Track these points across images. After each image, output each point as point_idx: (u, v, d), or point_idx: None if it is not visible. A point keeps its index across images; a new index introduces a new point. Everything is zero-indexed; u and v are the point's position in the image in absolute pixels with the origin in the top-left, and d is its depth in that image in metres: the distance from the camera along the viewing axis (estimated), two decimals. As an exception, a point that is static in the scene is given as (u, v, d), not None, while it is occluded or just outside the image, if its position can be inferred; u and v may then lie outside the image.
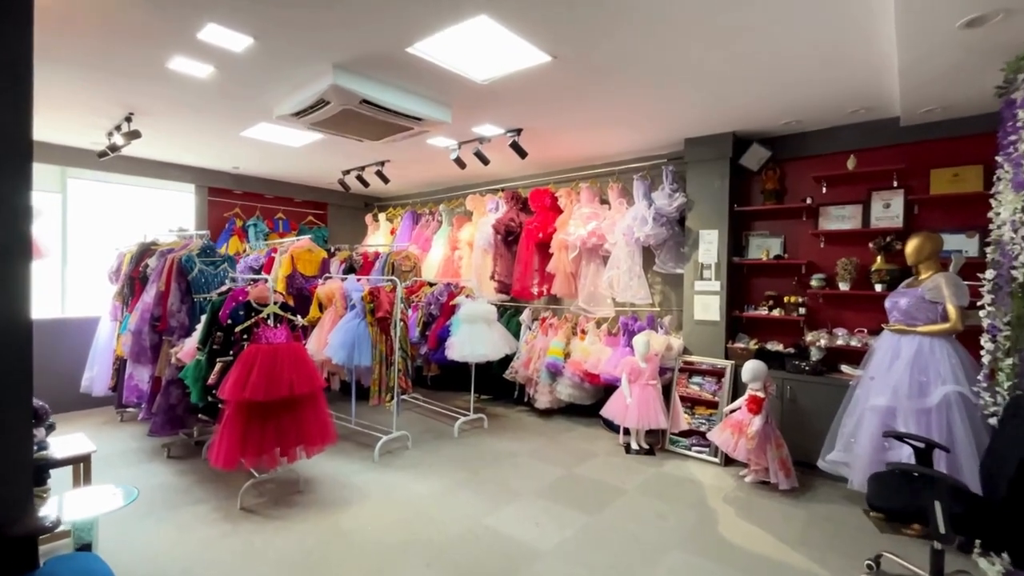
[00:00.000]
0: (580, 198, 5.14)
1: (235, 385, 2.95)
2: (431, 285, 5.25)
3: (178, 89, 3.47)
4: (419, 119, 3.59)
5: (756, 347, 4.18)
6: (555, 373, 5.05)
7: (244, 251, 6.00)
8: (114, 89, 3.49)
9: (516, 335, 5.60)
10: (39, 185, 5.16)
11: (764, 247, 4.33)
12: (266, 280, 3.44)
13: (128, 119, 4.05)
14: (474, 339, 4.55)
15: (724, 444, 3.71)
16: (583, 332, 5.11)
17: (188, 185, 6.03)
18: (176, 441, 4.08)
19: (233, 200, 6.46)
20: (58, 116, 4.14)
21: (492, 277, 5.54)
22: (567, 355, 5.07)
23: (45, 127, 4.48)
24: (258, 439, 3.01)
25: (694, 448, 4.19)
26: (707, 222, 4.37)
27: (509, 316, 5.81)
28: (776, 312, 4.16)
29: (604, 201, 5.17)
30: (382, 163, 5.54)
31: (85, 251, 5.38)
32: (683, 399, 4.36)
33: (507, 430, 4.84)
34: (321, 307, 4.53)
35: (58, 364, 5.03)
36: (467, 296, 4.86)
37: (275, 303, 3.33)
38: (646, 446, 4.34)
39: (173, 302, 3.91)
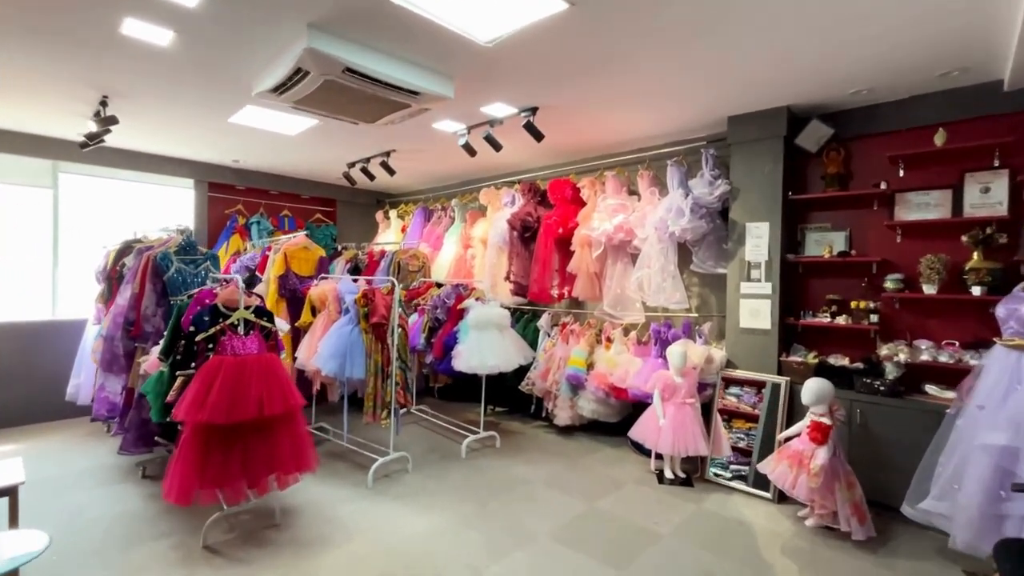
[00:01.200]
0: (605, 189, 4.55)
1: (192, 404, 2.49)
2: (439, 287, 4.75)
3: (144, 62, 3.05)
4: (416, 93, 3.08)
5: (816, 361, 3.51)
6: (576, 386, 4.48)
7: (244, 250, 5.64)
8: (78, 64, 3.10)
9: (533, 343, 5.06)
10: (29, 180, 4.90)
11: (825, 242, 3.66)
12: (258, 279, 2.99)
13: (104, 103, 3.68)
14: (484, 348, 4.02)
15: (780, 479, 3.07)
16: (608, 340, 4.51)
17: (187, 180, 5.69)
18: (155, 458, 3.68)
19: (235, 196, 6.11)
20: (38, 103, 3.80)
21: (507, 278, 5.00)
22: (590, 366, 4.49)
23: (27, 116, 4.17)
24: (219, 468, 2.54)
25: (732, 468, 3.56)
26: (755, 213, 3.73)
27: (526, 321, 5.26)
28: (841, 320, 3.49)
29: (633, 192, 4.57)
30: (387, 153, 5.07)
31: (78, 250, 5.08)
32: (719, 412, 3.73)
33: (522, 451, 4.29)
34: (315, 311, 4.08)
35: (45, 370, 4.74)
36: (477, 299, 4.33)
37: (248, 307, 2.87)
38: (682, 475, 3.73)
39: (148, 305, 3.51)
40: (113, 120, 3.73)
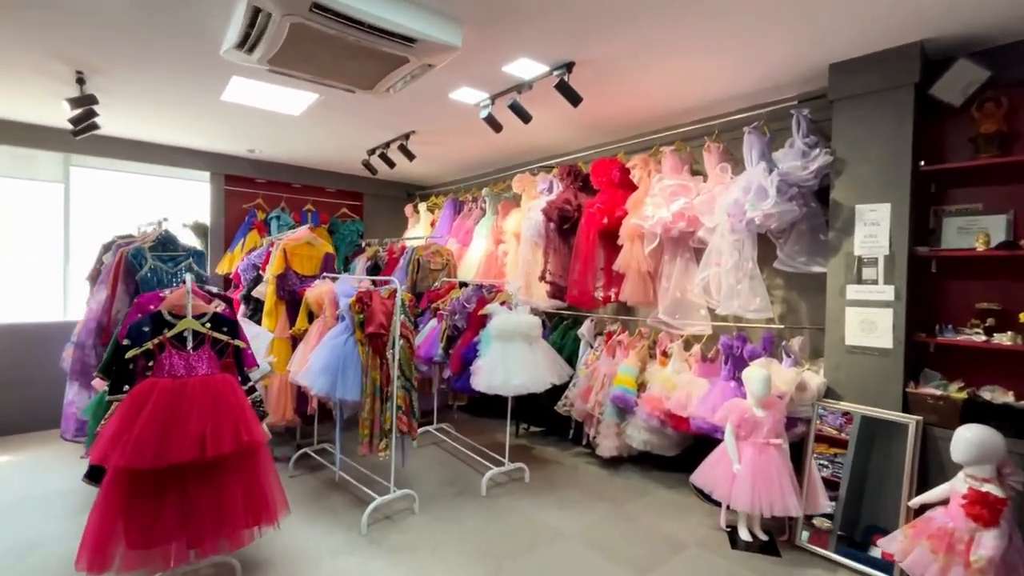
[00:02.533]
0: (661, 168, 3.69)
1: (110, 442, 1.92)
2: (463, 287, 4.06)
3: (107, 29, 2.55)
4: (412, 41, 2.39)
5: (962, 395, 2.52)
6: (624, 410, 3.66)
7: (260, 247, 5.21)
8: (27, 24, 2.64)
9: (574, 355, 4.27)
10: (38, 174, 4.66)
11: (975, 229, 2.65)
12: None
13: (80, 80, 3.26)
14: (508, 363, 3.29)
15: (918, 568, 2.13)
16: (665, 355, 3.66)
17: (203, 173, 5.34)
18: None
19: (255, 190, 5.71)
20: (15, 85, 3.46)
21: (542, 277, 4.24)
22: (641, 386, 3.66)
23: (26, 104, 3.86)
24: (148, 524, 1.96)
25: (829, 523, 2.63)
26: (869, 191, 2.77)
27: (564, 329, 4.48)
28: (1002, 338, 2.48)
29: (697, 172, 3.69)
30: (406, 136, 4.45)
31: (90, 248, 4.81)
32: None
33: (555, 487, 3.52)
34: (313, 317, 3.50)
35: (54, 374, 4.47)
36: (503, 303, 3.61)
37: (201, 315, 2.29)
38: (764, 536, 2.84)
39: (119, 308, 3.06)
40: (92, 99, 3.31)
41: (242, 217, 5.59)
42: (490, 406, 4.84)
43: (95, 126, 3.89)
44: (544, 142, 4.61)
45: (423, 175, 6.25)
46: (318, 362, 2.98)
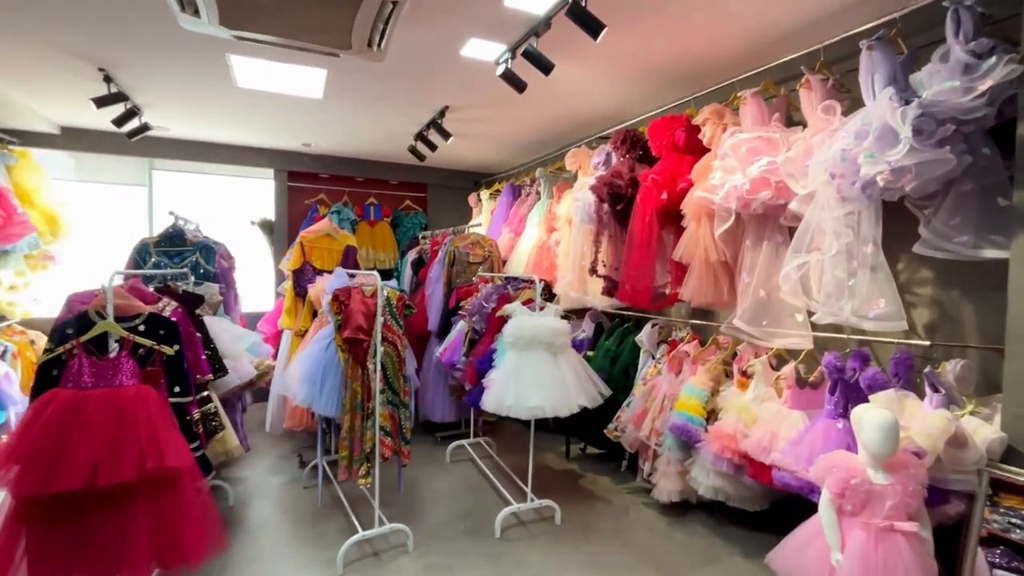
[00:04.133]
0: (740, 118, 2.71)
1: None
2: (510, 282, 3.46)
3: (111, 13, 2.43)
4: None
5: None
6: (687, 443, 2.78)
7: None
8: (52, 22, 2.62)
9: (632, 367, 3.45)
10: (124, 179, 5.04)
11: None
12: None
13: (108, 79, 3.28)
14: (524, 378, 2.63)
15: None
16: (745, 375, 2.70)
17: (267, 170, 5.42)
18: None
19: (318, 185, 5.69)
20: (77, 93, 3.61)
21: (593, 270, 3.47)
22: (712, 414, 2.75)
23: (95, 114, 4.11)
24: (41, 555, 1.71)
25: None
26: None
27: (622, 334, 3.65)
28: None
29: (797, 123, 2.65)
30: (441, 113, 3.95)
31: (171, 246, 5.12)
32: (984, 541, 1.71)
33: (591, 537, 2.78)
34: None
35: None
36: (527, 302, 2.93)
37: (134, 316, 2.01)
38: (885, 668, 1.83)
39: (129, 306, 2.99)
40: (122, 97, 3.32)
41: (306, 212, 5.60)
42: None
43: (146, 127, 4.01)
44: (606, 106, 3.79)
45: (487, 161, 5.76)
46: (300, 369, 2.61)
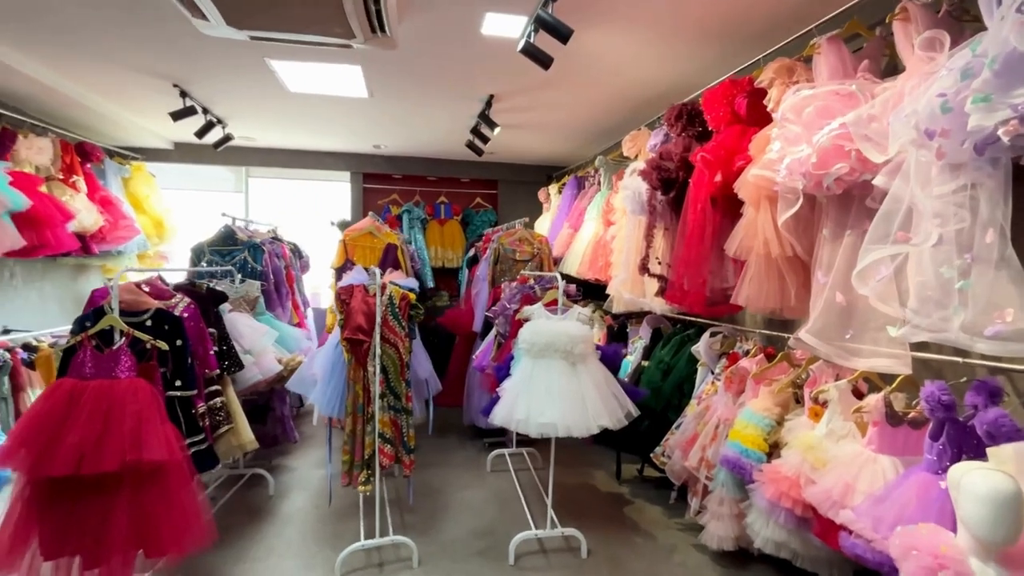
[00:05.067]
0: (813, 73, 2.11)
1: (7, 442, 1.84)
2: (568, 283, 3.16)
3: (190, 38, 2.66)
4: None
5: None
6: (742, 480, 2.26)
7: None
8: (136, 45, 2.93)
9: (688, 383, 2.95)
10: (227, 186, 5.61)
11: None
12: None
13: (183, 94, 3.60)
14: (536, 389, 2.32)
15: None
16: (816, 401, 2.10)
17: (344, 173, 5.69)
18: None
19: (391, 186, 5.85)
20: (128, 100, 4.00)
21: (644, 268, 3.02)
22: (774, 448, 2.20)
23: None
24: (45, 533, 1.82)
25: None
26: None
27: (679, 343, 3.14)
28: None
29: (895, 70, 1.98)
30: (487, 103, 3.75)
31: (263, 246, 5.61)
32: None
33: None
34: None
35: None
36: (549, 304, 2.61)
37: (141, 311, 2.11)
38: None
39: (189, 301, 3.25)
40: (193, 111, 3.63)
41: (379, 213, 5.77)
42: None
43: (229, 138, 4.38)
44: (664, 80, 3.31)
45: (556, 152, 5.46)
46: (313, 367, 2.59)
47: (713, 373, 2.78)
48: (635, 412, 2.44)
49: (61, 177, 3.57)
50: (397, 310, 2.40)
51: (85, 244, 3.66)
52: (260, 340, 2.76)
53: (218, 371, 2.37)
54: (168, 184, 5.19)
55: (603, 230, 3.83)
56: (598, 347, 2.61)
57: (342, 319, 2.40)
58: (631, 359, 3.55)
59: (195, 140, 4.95)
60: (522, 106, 3.91)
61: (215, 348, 2.39)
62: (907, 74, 1.69)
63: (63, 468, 1.76)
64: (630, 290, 3.28)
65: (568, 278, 4.19)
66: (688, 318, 3.28)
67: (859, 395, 2.06)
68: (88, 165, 3.90)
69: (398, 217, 5.68)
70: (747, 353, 2.62)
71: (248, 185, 5.65)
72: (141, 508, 1.86)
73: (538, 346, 2.36)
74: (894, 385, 1.89)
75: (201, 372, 2.29)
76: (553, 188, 5.46)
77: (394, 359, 2.38)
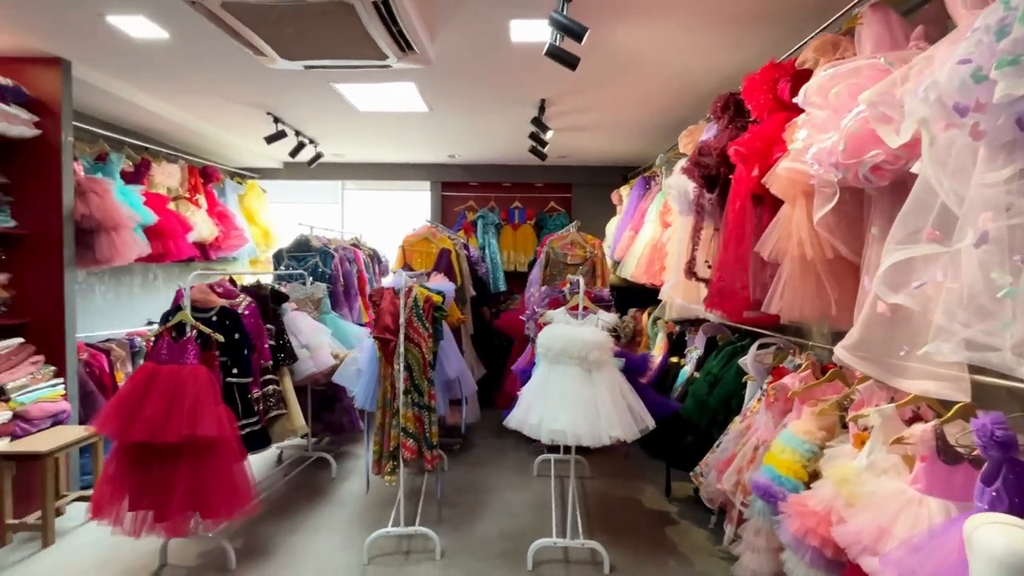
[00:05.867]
0: (857, 46, 1.81)
1: (103, 411, 2.29)
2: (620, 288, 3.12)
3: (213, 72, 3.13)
4: None
5: None
6: (775, 509, 2.02)
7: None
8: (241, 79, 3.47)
9: (736, 397, 2.69)
10: (325, 198, 6.27)
11: None
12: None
13: (276, 120, 4.13)
14: (550, 395, 2.29)
15: None
16: (858, 425, 1.81)
17: (425, 183, 6.06)
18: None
19: (467, 193, 6.09)
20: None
21: (690, 271, 2.82)
22: (814, 476, 1.94)
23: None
24: (119, 491, 2.23)
25: None
26: None
27: (730, 354, 2.87)
28: None
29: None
30: (540, 106, 3.77)
31: (356, 252, 6.18)
32: None
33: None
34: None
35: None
36: (572, 308, 2.55)
37: (208, 308, 2.48)
38: None
39: (272, 301, 3.71)
40: (283, 134, 4.15)
41: (455, 219, 6.06)
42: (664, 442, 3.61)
43: (319, 156, 4.91)
44: (716, 70, 3.08)
45: (629, 152, 5.30)
46: (356, 362, 2.82)
47: (762, 389, 2.50)
48: (651, 426, 2.29)
49: (187, 196, 4.29)
50: (421, 312, 2.52)
51: (204, 251, 4.37)
52: (317, 336, 3.08)
53: (271, 362, 2.70)
54: (280, 198, 5.98)
55: (661, 232, 3.63)
56: (624, 355, 2.50)
57: (375, 320, 2.59)
58: (686, 369, 3.33)
59: (299, 159, 5.64)
60: (577, 107, 3.87)
61: (271, 342, 2.73)
62: (951, 37, 1.40)
63: (140, 436, 2.14)
64: (682, 295, 3.07)
65: (626, 283, 4.05)
66: (748, 328, 2.98)
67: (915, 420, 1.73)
68: (210, 185, 4.64)
69: (473, 223, 5.90)
70: (797, 368, 2.32)
71: (344, 197, 6.26)
72: (197, 477, 2.20)
73: (553, 351, 2.32)
74: (951, 413, 1.56)
75: (257, 363, 2.62)
76: (625, 189, 5.28)
77: (418, 358, 2.52)
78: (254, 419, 2.56)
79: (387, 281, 2.96)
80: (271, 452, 3.84)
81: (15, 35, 2.71)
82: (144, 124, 4.13)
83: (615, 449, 3.66)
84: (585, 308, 2.53)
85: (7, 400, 2.68)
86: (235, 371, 2.48)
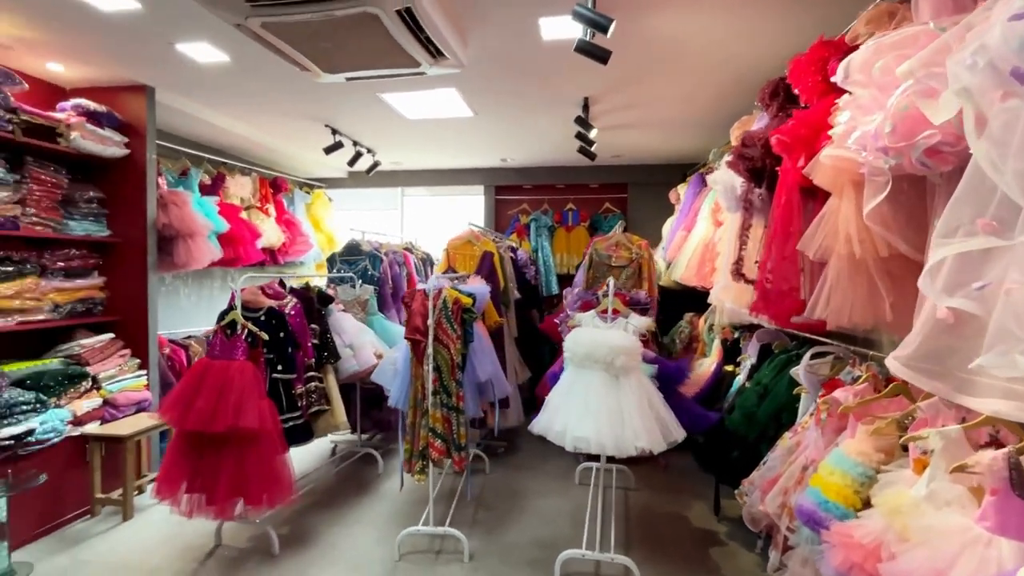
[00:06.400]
0: (914, 13, 1.58)
1: (164, 399, 2.52)
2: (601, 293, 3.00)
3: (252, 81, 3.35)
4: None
5: None
6: (821, 537, 1.81)
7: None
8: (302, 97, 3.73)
9: (789, 411, 2.46)
10: (387, 204, 6.54)
11: None
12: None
13: (334, 132, 4.37)
14: (574, 401, 2.21)
15: None
16: (917, 448, 1.57)
17: (479, 187, 6.13)
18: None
19: (521, 196, 6.09)
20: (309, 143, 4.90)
21: (737, 272, 2.62)
22: (866, 506, 1.71)
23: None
24: (183, 474, 2.45)
25: None
26: None
27: (783, 363, 2.61)
28: None
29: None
30: (584, 104, 3.68)
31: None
32: None
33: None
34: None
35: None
36: (602, 311, 2.44)
37: (257, 308, 2.67)
38: None
39: (327, 302, 3.92)
40: (339, 145, 4.38)
41: (508, 222, 6.08)
42: (712, 455, 3.40)
43: (377, 164, 5.14)
44: (768, 55, 2.84)
45: (690, 149, 5.04)
46: (394, 362, 2.90)
47: (815, 402, 2.25)
48: (679, 438, 2.14)
49: (258, 205, 4.65)
50: (450, 313, 2.54)
51: (274, 256, 4.71)
52: (360, 336, 3.21)
53: (313, 360, 2.84)
54: (345, 205, 6.32)
55: (712, 231, 3.41)
56: (659, 361, 2.36)
57: (406, 321, 2.65)
58: (739, 379, 3.09)
59: (360, 169, 5.92)
60: (621, 104, 3.75)
61: (314, 341, 2.87)
62: (1016, -6, 1.18)
63: (193, 425, 2.33)
64: (733, 299, 2.86)
65: (682, 286, 3.84)
66: (809, 335, 2.71)
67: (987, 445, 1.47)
68: (279, 195, 5.00)
69: (526, 226, 5.89)
70: (855, 380, 2.07)
71: (403, 203, 6.51)
72: (240, 465, 2.36)
73: (578, 355, 2.24)
74: (1029, 440, 1.31)
75: (301, 360, 2.78)
76: (682, 187, 5.02)
77: (446, 359, 2.53)
78: (297, 413, 2.71)
79: (430, 283, 3.02)
80: (325, 445, 4.06)
81: (107, 67, 3.08)
82: (219, 141, 4.55)
83: (655, 461, 3.50)
84: (616, 311, 2.42)
85: (99, 388, 3.04)
86: (280, 367, 2.64)
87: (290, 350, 2.69)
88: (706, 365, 3.77)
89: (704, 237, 3.50)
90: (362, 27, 2.26)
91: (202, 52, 2.86)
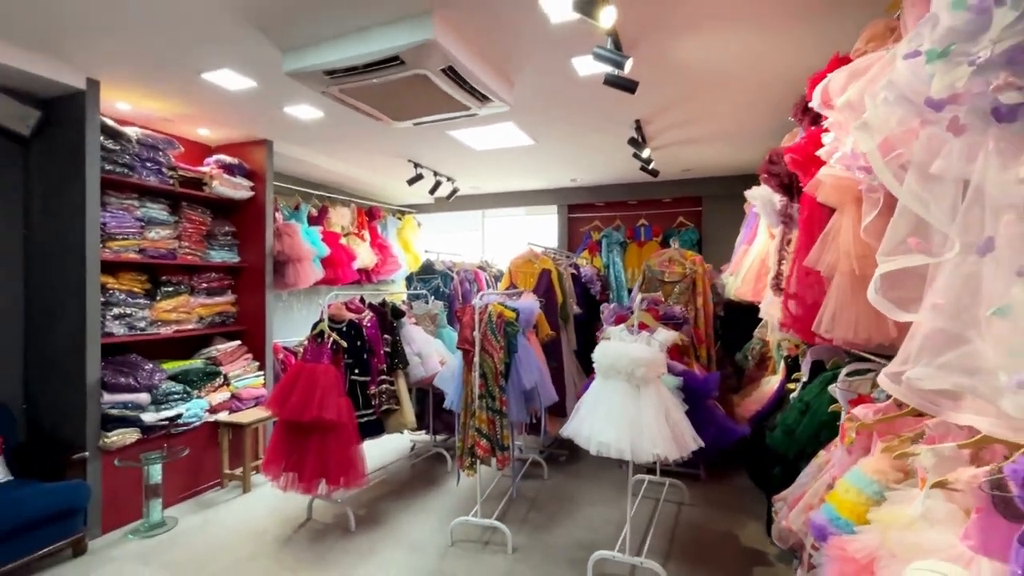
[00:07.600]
0: (903, 30, 1.59)
1: (270, 394, 3.11)
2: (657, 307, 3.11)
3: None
4: (398, 60, 2.42)
5: None
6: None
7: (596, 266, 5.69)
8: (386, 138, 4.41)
9: (828, 428, 2.40)
10: (467, 226, 7.08)
11: None
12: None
13: (416, 166, 4.95)
14: (599, 409, 2.38)
15: None
16: (916, 465, 1.54)
17: (552, 207, 6.41)
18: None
19: (594, 213, 6.25)
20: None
21: (777, 286, 2.61)
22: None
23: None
24: (282, 455, 3.00)
25: None
26: None
27: (827, 379, 2.52)
28: None
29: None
30: (636, 126, 3.82)
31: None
32: None
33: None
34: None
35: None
36: (630, 327, 2.57)
37: (339, 321, 3.20)
38: None
39: (407, 316, 4.43)
40: (420, 177, 4.94)
41: (581, 240, 6.26)
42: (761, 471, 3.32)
43: (456, 191, 5.66)
44: (803, 65, 2.80)
45: (755, 159, 4.87)
46: (452, 369, 3.26)
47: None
48: (695, 444, 2.20)
49: (355, 232, 5.38)
50: (495, 326, 2.84)
51: (368, 276, 5.40)
52: (428, 346, 3.63)
53: (385, 365, 3.30)
54: (435, 228, 6.97)
55: (768, 244, 3.34)
56: (686, 374, 2.44)
57: (459, 332, 3.00)
58: (793, 396, 3.00)
59: (443, 194, 6.49)
60: (678, 121, 3.82)
61: (386, 349, 3.34)
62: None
63: (289, 415, 2.88)
64: (775, 314, 2.83)
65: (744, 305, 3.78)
66: (866, 353, 2.59)
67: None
68: (374, 222, 5.72)
69: (598, 242, 6.04)
70: (889, 397, 1.99)
71: (484, 224, 7.00)
72: (323, 451, 2.85)
73: (603, 366, 2.41)
74: (1013, 458, 1.27)
75: (375, 365, 3.25)
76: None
77: (491, 367, 2.83)
78: (371, 411, 3.17)
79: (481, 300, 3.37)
80: (404, 443, 4.56)
81: (238, 128, 3.89)
82: (323, 178, 5.36)
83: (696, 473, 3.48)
84: (644, 325, 2.54)
85: (228, 384, 3.79)
86: (357, 371, 3.13)
87: (365, 356, 3.18)
88: (772, 382, 3.65)
89: (761, 251, 3.42)
90: (417, 85, 2.69)
91: (304, 111, 3.52)
